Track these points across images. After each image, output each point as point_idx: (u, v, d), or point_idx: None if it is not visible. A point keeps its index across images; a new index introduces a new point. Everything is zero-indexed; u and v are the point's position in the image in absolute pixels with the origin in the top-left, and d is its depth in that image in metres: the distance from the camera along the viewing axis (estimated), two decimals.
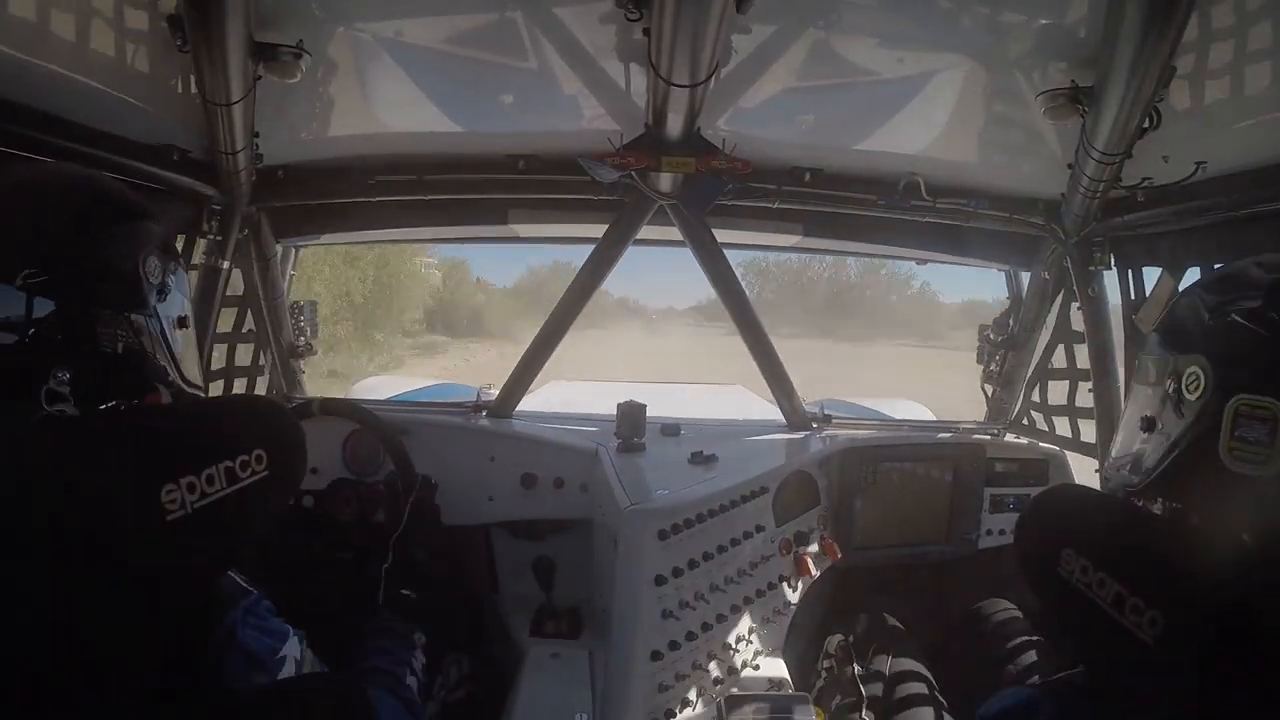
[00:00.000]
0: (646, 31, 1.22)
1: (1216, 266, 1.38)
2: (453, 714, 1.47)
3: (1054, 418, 2.02)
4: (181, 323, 0.87)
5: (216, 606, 0.78)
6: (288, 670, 0.83)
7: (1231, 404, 0.61)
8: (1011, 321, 2.07)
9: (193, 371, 0.90)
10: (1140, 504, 0.73)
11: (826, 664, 1.62)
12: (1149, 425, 0.69)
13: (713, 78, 1.30)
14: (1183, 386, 0.66)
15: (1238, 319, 0.64)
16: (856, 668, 1.52)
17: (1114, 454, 0.77)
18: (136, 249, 0.80)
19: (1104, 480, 0.80)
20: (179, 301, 0.86)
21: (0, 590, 0.57)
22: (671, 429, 1.97)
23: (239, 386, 1.95)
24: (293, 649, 0.84)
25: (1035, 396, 2.07)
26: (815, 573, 1.64)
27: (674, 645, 1.32)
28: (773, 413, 2.13)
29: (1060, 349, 1.96)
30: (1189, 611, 0.57)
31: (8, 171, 0.80)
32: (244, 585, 0.82)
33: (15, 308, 0.70)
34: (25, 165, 0.85)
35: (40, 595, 0.59)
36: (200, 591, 0.72)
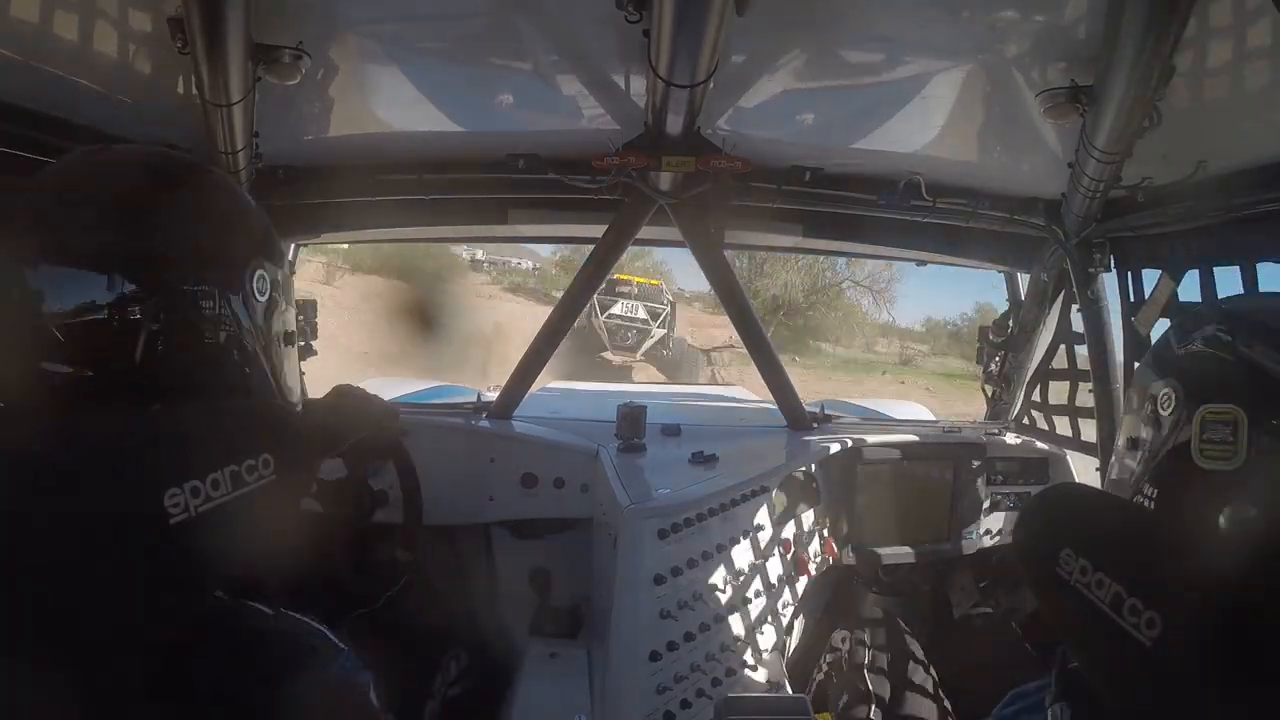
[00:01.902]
0: (646, 33, 1.22)
1: (1215, 270, 1.39)
2: (452, 710, 1.48)
3: (1054, 417, 2.02)
4: (288, 339, 0.83)
5: (304, 660, 0.73)
6: None
7: (1199, 413, 0.70)
8: (1011, 322, 2.07)
9: (295, 395, 0.86)
10: (1140, 503, 0.73)
11: (824, 664, 1.62)
12: (1133, 445, 0.79)
13: (712, 78, 1.30)
14: (1158, 406, 0.76)
15: (1199, 345, 0.75)
16: (854, 668, 1.52)
17: (1111, 468, 0.85)
18: (245, 255, 0.76)
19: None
20: (287, 315, 0.82)
21: (2, 591, 0.58)
22: (672, 430, 1.97)
23: None
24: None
25: (1035, 396, 2.07)
26: (814, 572, 1.64)
27: (672, 646, 1.32)
28: (773, 413, 2.14)
29: (1061, 349, 1.96)
30: (1188, 612, 0.57)
31: (90, 152, 0.77)
32: (336, 643, 0.78)
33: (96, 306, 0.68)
34: (109, 147, 0.80)
35: (43, 597, 0.59)
36: (204, 593, 0.72)
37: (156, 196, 0.72)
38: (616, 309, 12.74)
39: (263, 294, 0.77)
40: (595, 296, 12.20)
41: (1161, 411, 0.75)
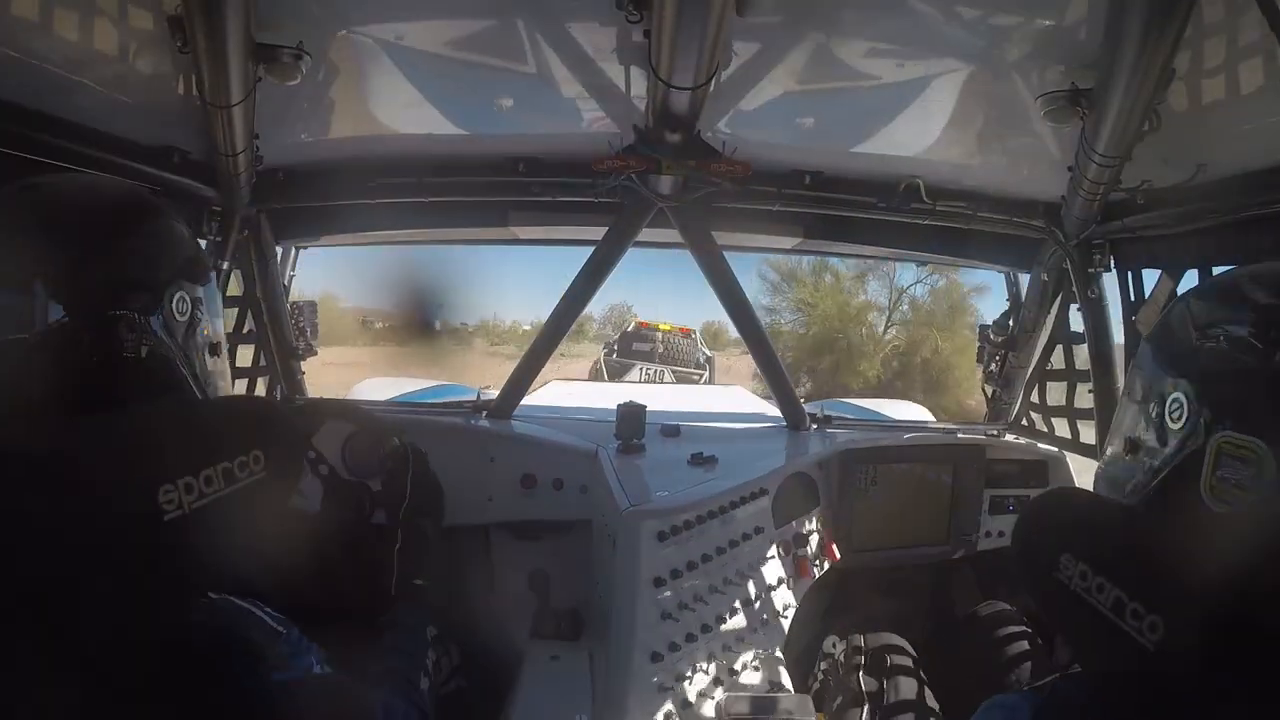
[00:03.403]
0: (647, 34, 1.22)
1: (1215, 271, 1.39)
2: (445, 708, 1.47)
3: (1053, 419, 2.02)
4: (214, 350, 0.86)
5: (249, 657, 0.75)
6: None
7: (1214, 441, 0.58)
8: (1011, 323, 2.07)
9: (222, 391, 0.89)
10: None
11: (825, 666, 1.62)
12: (1133, 448, 0.67)
13: (712, 80, 1.30)
14: (1166, 412, 0.62)
15: (1225, 345, 0.60)
16: (855, 670, 1.52)
17: (1101, 469, 0.76)
18: (163, 277, 0.79)
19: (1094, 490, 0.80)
20: (211, 327, 0.86)
21: (0, 589, 0.58)
22: (671, 430, 1.97)
23: (239, 388, 1.96)
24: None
25: (1034, 398, 2.07)
26: (814, 574, 1.64)
27: (673, 647, 1.32)
28: (773, 414, 2.14)
29: (1059, 350, 1.96)
30: (1190, 616, 0.57)
31: (30, 182, 0.81)
32: (274, 628, 0.80)
33: (40, 311, 0.71)
34: (48, 176, 0.87)
35: (39, 593, 0.59)
36: (198, 589, 0.72)
37: (90, 230, 0.76)
38: (633, 376, 9.20)
39: (183, 314, 0.81)
40: (603, 358, 9.23)
41: (1170, 422, 0.61)
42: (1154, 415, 0.64)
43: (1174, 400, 0.62)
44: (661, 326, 9.99)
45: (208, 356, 0.84)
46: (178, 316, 0.80)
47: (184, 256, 0.84)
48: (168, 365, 0.79)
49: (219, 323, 0.88)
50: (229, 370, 0.92)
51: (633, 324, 10.00)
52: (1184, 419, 0.60)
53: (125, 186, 0.87)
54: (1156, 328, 0.71)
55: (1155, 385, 0.65)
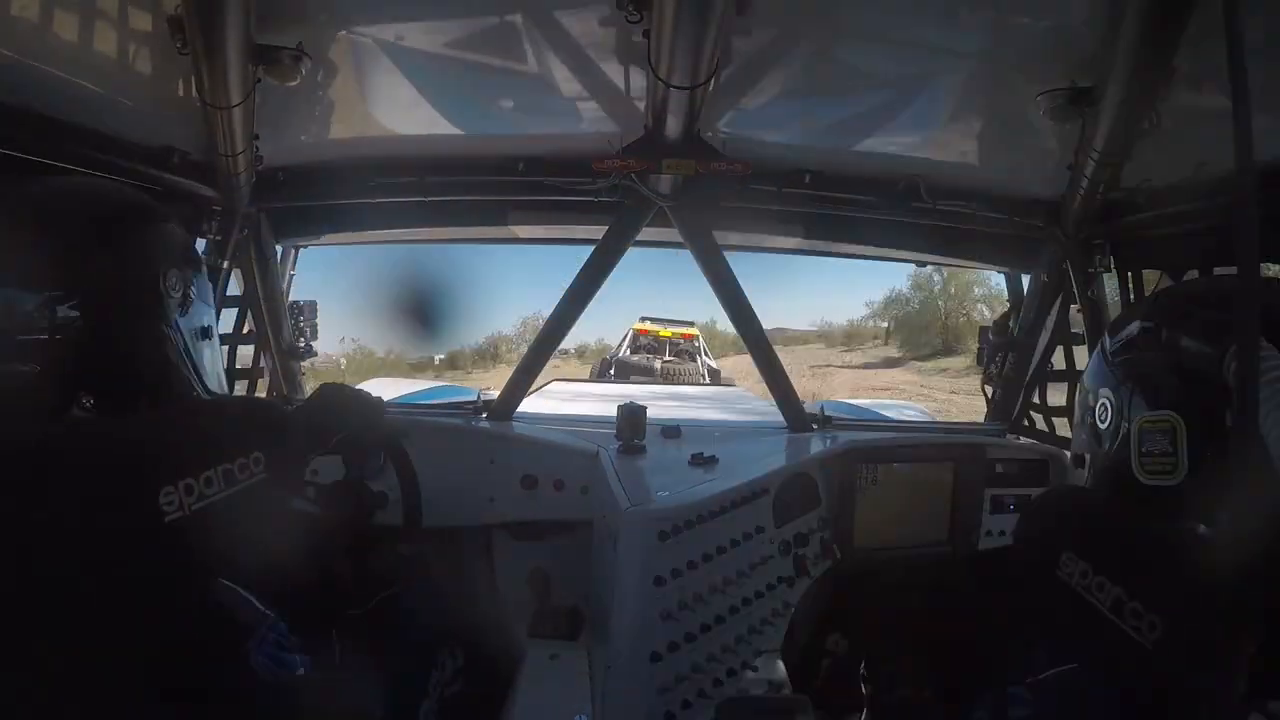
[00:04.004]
0: (646, 34, 1.22)
1: (1214, 271, 1.38)
2: (450, 710, 1.47)
3: (1054, 419, 2.02)
4: (204, 333, 0.89)
5: (234, 633, 0.77)
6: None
7: (1135, 423, 0.66)
8: (1011, 323, 2.07)
9: (214, 384, 0.91)
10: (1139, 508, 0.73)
11: (825, 665, 1.62)
12: (1079, 462, 0.76)
13: (712, 80, 1.30)
14: (1095, 419, 0.71)
15: (1134, 347, 0.69)
16: (854, 669, 1.52)
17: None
18: (157, 262, 0.81)
19: None
20: (201, 312, 0.88)
21: (4, 588, 0.58)
22: (672, 431, 1.97)
23: (239, 389, 1.96)
24: None
25: (1035, 398, 2.07)
26: (814, 573, 1.64)
27: (673, 647, 1.32)
28: (773, 414, 2.13)
29: (1059, 351, 1.96)
30: (1188, 616, 0.57)
31: (28, 185, 0.82)
32: (261, 610, 0.82)
33: (42, 316, 0.72)
34: (46, 179, 0.89)
35: (41, 593, 0.59)
36: (199, 590, 0.72)
37: (83, 232, 0.78)
38: None
39: (176, 292, 0.83)
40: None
41: (1099, 423, 0.70)
42: (1089, 426, 0.72)
43: (1100, 405, 0.70)
44: (662, 333, 8.66)
45: (199, 341, 0.87)
46: (171, 295, 0.82)
47: (177, 251, 0.86)
48: (169, 359, 0.81)
49: (210, 311, 0.91)
50: (220, 357, 0.95)
51: (630, 332, 8.73)
52: (1109, 415, 0.69)
53: (119, 190, 0.90)
54: (1090, 361, 0.79)
55: (1086, 401, 0.73)
